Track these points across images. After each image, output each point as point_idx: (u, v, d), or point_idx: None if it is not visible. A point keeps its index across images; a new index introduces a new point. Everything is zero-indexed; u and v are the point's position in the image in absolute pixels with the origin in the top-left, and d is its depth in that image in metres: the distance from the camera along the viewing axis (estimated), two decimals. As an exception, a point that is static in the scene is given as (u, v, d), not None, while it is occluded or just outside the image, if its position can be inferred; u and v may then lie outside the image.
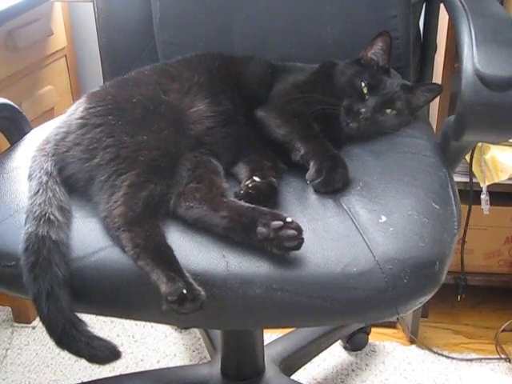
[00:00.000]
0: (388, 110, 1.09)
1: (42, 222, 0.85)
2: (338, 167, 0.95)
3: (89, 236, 0.87)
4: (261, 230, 0.82)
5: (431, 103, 1.23)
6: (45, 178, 0.92)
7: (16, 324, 1.82)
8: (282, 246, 0.81)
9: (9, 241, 0.88)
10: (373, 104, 1.07)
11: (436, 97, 1.16)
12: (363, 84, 1.08)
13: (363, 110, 1.06)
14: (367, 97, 1.08)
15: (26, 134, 1.17)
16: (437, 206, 0.90)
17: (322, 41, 1.27)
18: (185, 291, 0.76)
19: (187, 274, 0.79)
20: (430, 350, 1.70)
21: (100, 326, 1.77)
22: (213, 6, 1.30)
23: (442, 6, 1.32)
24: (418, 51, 1.38)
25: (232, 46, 1.29)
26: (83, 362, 1.69)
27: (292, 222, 0.82)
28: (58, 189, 0.92)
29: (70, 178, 0.94)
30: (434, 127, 1.43)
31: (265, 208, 0.86)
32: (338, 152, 1.00)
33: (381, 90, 1.09)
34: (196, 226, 0.87)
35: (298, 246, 0.81)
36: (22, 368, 1.66)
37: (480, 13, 1.00)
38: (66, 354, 1.72)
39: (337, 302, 0.80)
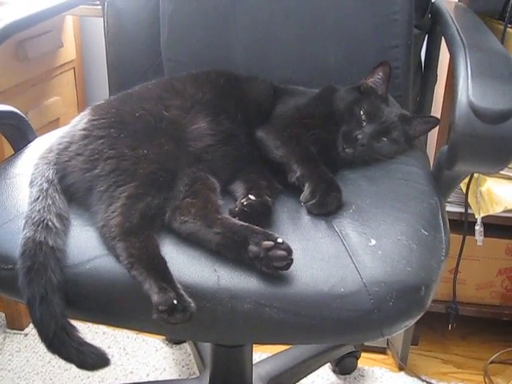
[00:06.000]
0: (384, 138, 1.11)
1: (40, 228, 0.87)
2: (332, 190, 0.97)
3: (85, 244, 0.89)
4: (252, 248, 0.83)
5: (430, 133, 1.25)
6: (45, 186, 0.94)
7: (8, 330, 1.83)
8: (271, 266, 0.82)
9: (7, 244, 0.90)
10: (369, 131, 1.09)
11: (432, 129, 1.19)
12: (361, 111, 1.11)
13: (360, 136, 1.08)
14: (364, 124, 1.10)
15: (30, 142, 1.19)
16: (426, 233, 0.91)
17: (325, 66, 1.31)
18: (175, 302, 0.78)
19: (179, 286, 0.81)
20: (419, 377, 1.70)
21: (92, 336, 1.78)
22: (219, 28, 1.34)
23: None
24: (419, 81, 1.41)
25: (236, 67, 1.31)
26: (73, 371, 1.70)
27: (283, 243, 0.83)
28: (57, 196, 0.94)
29: (70, 187, 0.96)
30: (432, 156, 1.45)
31: (257, 227, 0.87)
32: (334, 176, 1.03)
33: (378, 118, 1.11)
34: (190, 240, 0.89)
35: (287, 267, 0.83)
36: (12, 374, 1.67)
37: (477, 47, 1.02)
38: (56, 363, 1.73)
39: (323, 320, 0.81)
